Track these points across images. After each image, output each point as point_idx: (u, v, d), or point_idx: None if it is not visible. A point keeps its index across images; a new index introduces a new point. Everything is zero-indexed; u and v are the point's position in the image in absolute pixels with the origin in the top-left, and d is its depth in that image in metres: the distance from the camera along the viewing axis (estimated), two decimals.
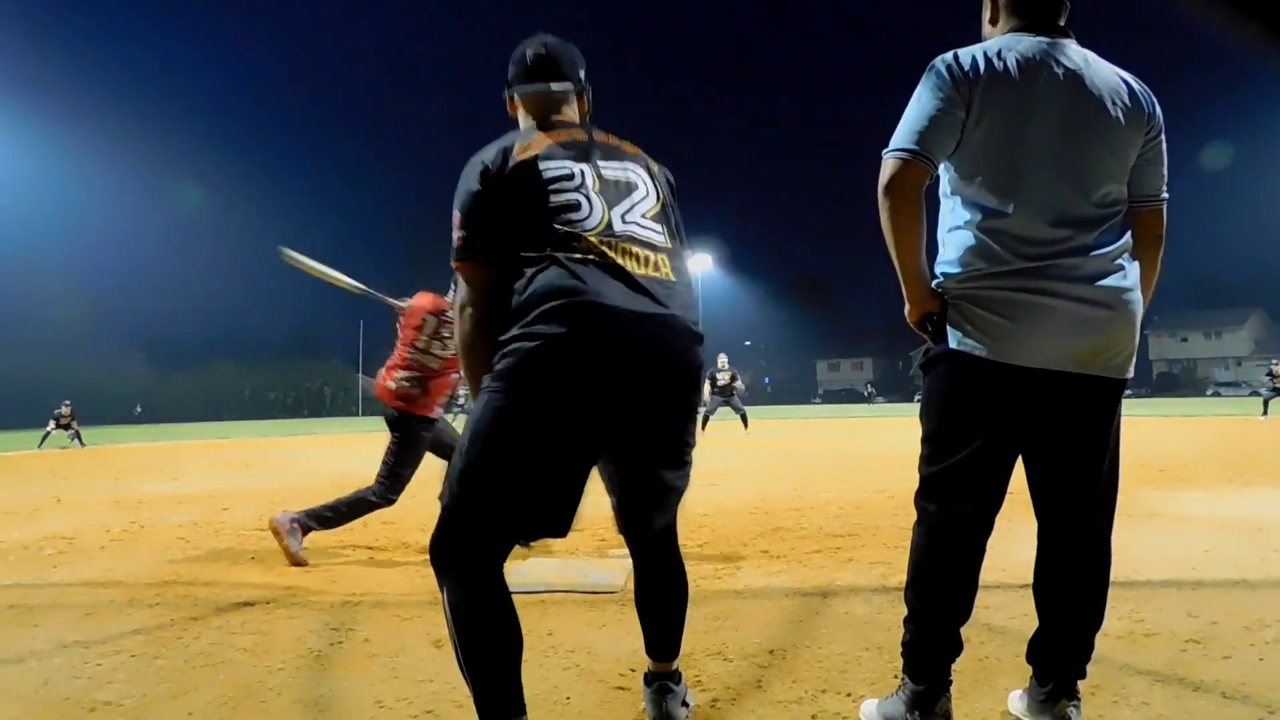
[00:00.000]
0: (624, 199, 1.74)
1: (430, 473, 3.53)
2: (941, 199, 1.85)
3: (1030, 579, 1.87)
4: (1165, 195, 1.85)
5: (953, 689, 1.82)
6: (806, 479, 7.49)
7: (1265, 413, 17.88)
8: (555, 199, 1.66)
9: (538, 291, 1.59)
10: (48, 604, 3.32)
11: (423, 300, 4.25)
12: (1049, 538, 1.85)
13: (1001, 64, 1.71)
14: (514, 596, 1.63)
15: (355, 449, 14.88)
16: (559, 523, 1.64)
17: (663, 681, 1.92)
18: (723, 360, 16.27)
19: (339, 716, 2.08)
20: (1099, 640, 1.82)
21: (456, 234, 1.69)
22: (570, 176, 1.70)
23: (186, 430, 29.82)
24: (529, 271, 1.62)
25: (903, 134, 1.74)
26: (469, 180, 1.70)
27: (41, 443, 18.77)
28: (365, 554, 4.24)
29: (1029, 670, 1.86)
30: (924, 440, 1.84)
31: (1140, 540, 3.89)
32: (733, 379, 16.23)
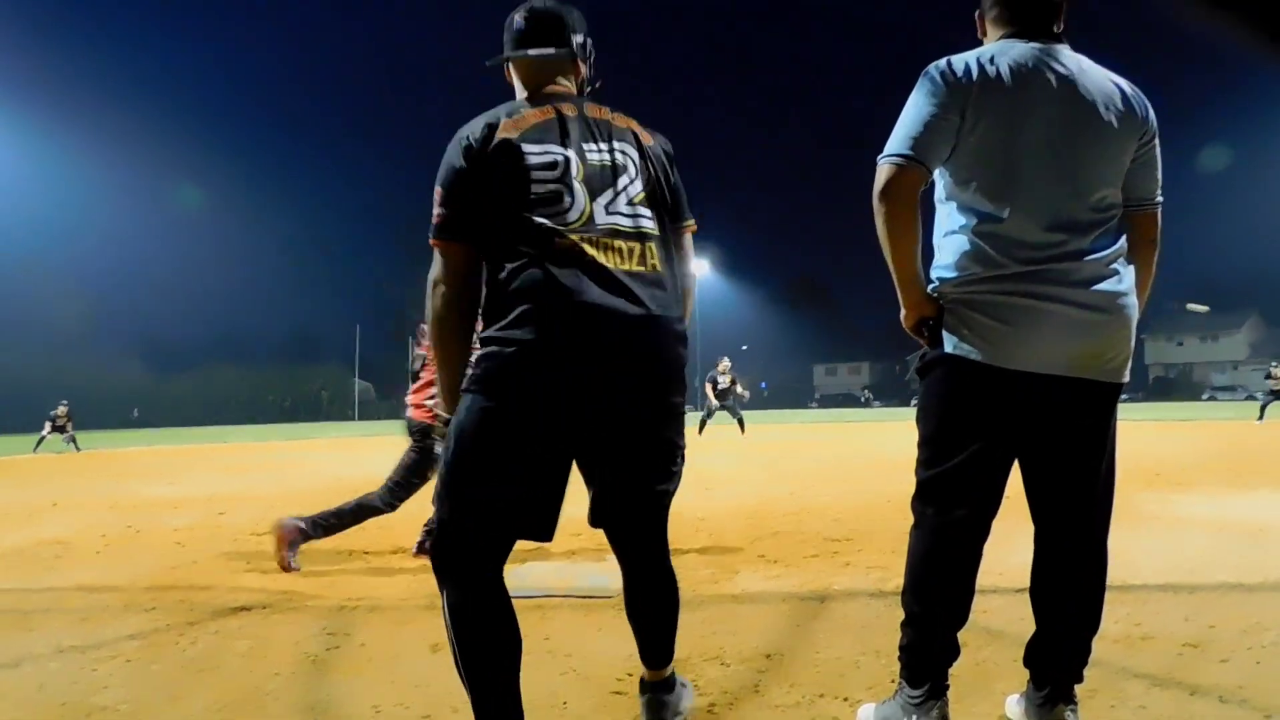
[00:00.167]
0: (609, 186, 1.69)
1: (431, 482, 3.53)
2: (937, 204, 1.86)
3: (1027, 583, 1.87)
4: (1160, 199, 1.86)
5: (950, 693, 1.82)
6: (804, 483, 7.49)
7: (1261, 418, 17.85)
8: (536, 189, 1.63)
9: (515, 291, 1.58)
10: (44, 608, 3.32)
11: None
12: (1046, 541, 1.85)
13: (995, 69, 1.72)
14: (512, 601, 1.63)
15: (352, 453, 14.87)
16: (541, 525, 1.62)
17: (653, 694, 1.89)
18: (725, 364, 16.19)
19: None
20: (1096, 644, 1.83)
21: (436, 210, 1.66)
22: (552, 165, 1.65)
23: (184, 434, 29.77)
24: (507, 268, 1.61)
25: (897, 140, 1.74)
26: (452, 155, 1.67)
27: (37, 447, 18.70)
28: (362, 559, 4.24)
29: (1026, 674, 1.86)
30: (921, 444, 1.85)
31: (1137, 544, 3.90)
32: (733, 383, 16.22)
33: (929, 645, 1.80)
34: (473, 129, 1.68)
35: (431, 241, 1.66)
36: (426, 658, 2.51)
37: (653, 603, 1.86)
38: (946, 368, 1.78)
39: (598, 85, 1.92)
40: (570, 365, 1.57)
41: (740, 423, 15.98)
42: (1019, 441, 1.80)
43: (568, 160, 1.67)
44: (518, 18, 1.83)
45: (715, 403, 16.13)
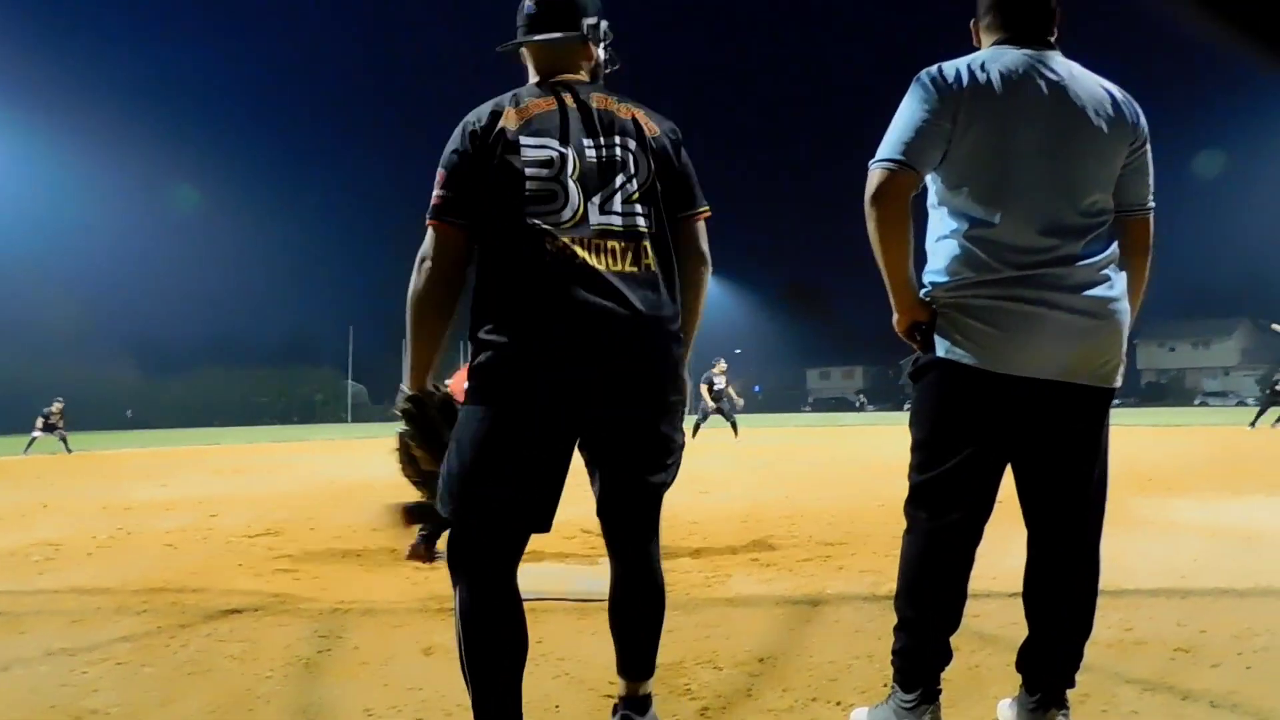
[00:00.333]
0: (605, 184, 1.68)
1: None
2: (929, 209, 1.86)
3: (1020, 587, 1.88)
4: (1152, 204, 1.87)
5: (942, 697, 1.82)
6: (797, 487, 7.50)
7: (1254, 424, 17.90)
8: (531, 186, 1.63)
9: (506, 292, 1.60)
10: (34, 611, 3.30)
11: (461, 379, 4.21)
12: (1038, 546, 1.85)
13: (986, 76, 1.73)
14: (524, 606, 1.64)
15: (345, 455, 14.83)
16: (541, 516, 1.64)
17: (627, 712, 1.81)
18: (721, 365, 16.15)
19: None
20: (1088, 648, 1.83)
21: (437, 191, 1.68)
22: (548, 162, 1.65)
23: (177, 436, 29.66)
24: (499, 269, 1.62)
25: (889, 145, 1.75)
26: (456, 139, 1.69)
27: (27, 448, 18.54)
28: (355, 561, 4.23)
29: (1019, 678, 1.87)
30: (914, 448, 1.85)
31: (1129, 548, 3.91)
32: (727, 385, 16.20)
33: (922, 649, 1.80)
34: (479, 115, 1.69)
35: (428, 222, 1.67)
36: (419, 661, 2.50)
37: (637, 606, 1.83)
38: (939, 372, 1.78)
39: (617, 68, 1.91)
40: (563, 368, 1.58)
41: (734, 426, 15.93)
42: (1011, 446, 1.80)
43: (564, 157, 1.66)
44: (528, 1, 1.83)
45: (710, 404, 16.11)
